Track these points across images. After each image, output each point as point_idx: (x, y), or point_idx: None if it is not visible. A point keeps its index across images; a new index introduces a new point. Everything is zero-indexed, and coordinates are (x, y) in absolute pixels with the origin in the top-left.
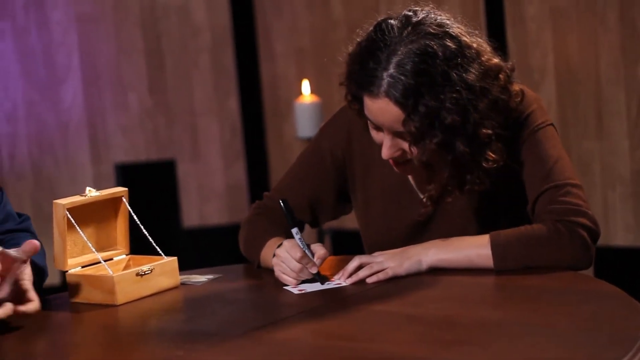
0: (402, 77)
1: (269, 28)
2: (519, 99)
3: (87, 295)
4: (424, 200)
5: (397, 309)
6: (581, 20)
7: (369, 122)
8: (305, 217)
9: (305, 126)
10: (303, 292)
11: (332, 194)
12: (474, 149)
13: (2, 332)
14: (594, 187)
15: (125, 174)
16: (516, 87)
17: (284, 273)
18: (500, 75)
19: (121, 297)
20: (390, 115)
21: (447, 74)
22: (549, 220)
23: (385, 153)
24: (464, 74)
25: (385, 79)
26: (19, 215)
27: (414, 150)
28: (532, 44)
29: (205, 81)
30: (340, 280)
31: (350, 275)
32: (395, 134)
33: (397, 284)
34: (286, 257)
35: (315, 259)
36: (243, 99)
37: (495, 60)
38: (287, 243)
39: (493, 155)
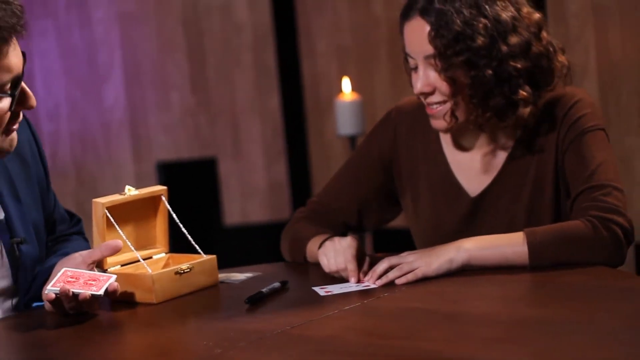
0: (436, 1)
1: (310, 26)
2: (565, 69)
3: (126, 293)
4: (448, 116)
5: (435, 307)
6: (623, 17)
7: (409, 62)
8: (353, 220)
9: (346, 124)
10: (330, 293)
11: (381, 196)
12: (500, 76)
13: (39, 330)
14: (636, 184)
15: (167, 172)
16: (562, 58)
17: (326, 256)
18: (543, 33)
19: (160, 296)
20: (422, 33)
21: (478, 4)
22: (586, 216)
23: (418, 86)
24: (497, 8)
25: (421, 2)
26: (72, 216)
27: (442, 77)
28: (574, 41)
29: (247, 79)
30: (369, 282)
31: (379, 277)
32: (428, 65)
33: (433, 282)
34: (340, 248)
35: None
36: (284, 97)
37: (537, 15)
38: (350, 238)
39: (524, 94)
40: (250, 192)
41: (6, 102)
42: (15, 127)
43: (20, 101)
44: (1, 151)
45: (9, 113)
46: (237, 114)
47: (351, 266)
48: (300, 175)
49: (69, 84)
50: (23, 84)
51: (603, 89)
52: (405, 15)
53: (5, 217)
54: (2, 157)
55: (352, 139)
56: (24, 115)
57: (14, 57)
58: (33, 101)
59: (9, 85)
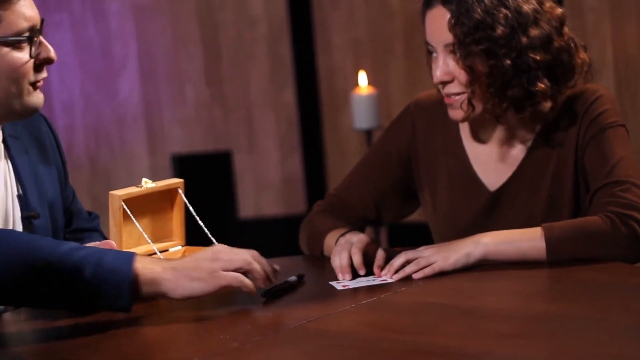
0: None
1: (326, 19)
2: (586, 66)
3: None
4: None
5: (450, 302)
6: None
7: (428, 49)
8: (370, 215)
9: (362, 118)
10: (347, 287)
11: (398, 191)
12: (519, 67)
13: (55, 321)
14: None
15: (182, 165)
16: (584, 55)
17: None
18: (564, 29)
19: None
20: (443, 21)
21: None
22: (604, 212)
23: (437, 74)
24: (518, 0)
25: None
26: (89, 213)
27: (461, 66)
28: (591, 36)
29: (262, 73)
30: (386, 277)
31: (397, 271)
32: (448, 54)
33: (449, 277)
34: (346, 243)
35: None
36: (299, 90)
37: (559, 10)
38: (362, 235)
39: (542, 86)
40: (264, 185)
41: (27, 49)
42: (40, 83)
43: (40, 52)
44: (30, 108)
45: (31, 61)
46: (252, 107)
47: (356, 259)
48: (315, 169)
49: (84, 77)
50: (42, 38)
51: (619, 84)
52: (428, 4)
53: (23, 192)
54: (29, 116)
55: (368, 133)
56: (41, 114)
57: (28, 9)
58: (52, 53)
59: (27, 34)
